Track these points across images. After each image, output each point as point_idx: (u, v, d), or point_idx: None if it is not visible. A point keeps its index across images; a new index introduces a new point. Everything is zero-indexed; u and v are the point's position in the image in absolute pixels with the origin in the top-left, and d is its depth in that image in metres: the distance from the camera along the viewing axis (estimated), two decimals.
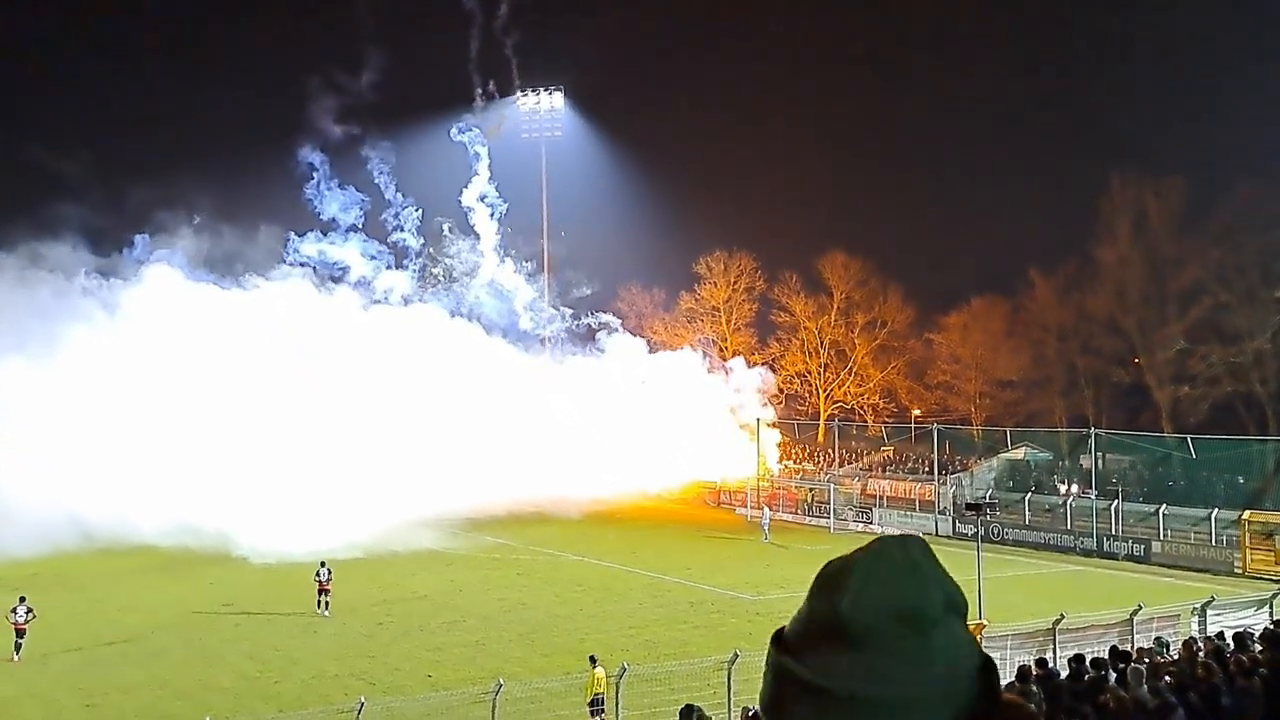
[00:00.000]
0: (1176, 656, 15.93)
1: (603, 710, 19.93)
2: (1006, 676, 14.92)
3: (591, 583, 37.04)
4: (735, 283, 78.52)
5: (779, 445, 68.00)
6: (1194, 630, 21.79)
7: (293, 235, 67.08)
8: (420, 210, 72.57)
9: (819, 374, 75.67)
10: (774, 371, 74.25)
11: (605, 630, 29.45)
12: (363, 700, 17.90)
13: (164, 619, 30.81)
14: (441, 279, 72.55)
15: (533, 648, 27.28)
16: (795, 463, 67.78)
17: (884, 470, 62.07)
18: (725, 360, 71.96)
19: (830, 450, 67.67)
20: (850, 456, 66.37)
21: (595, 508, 54.92)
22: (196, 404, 48.64)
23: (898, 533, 1.48)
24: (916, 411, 69.43)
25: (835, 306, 74.97)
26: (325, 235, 68.26)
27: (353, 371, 54.42)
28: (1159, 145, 66.08)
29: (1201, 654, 14.52)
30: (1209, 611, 22.80)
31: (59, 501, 41.69)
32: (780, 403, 72.46)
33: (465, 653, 27.13)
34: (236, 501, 43.38)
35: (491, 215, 74.62)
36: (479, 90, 74.43)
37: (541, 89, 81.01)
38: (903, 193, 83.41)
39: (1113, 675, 14.06)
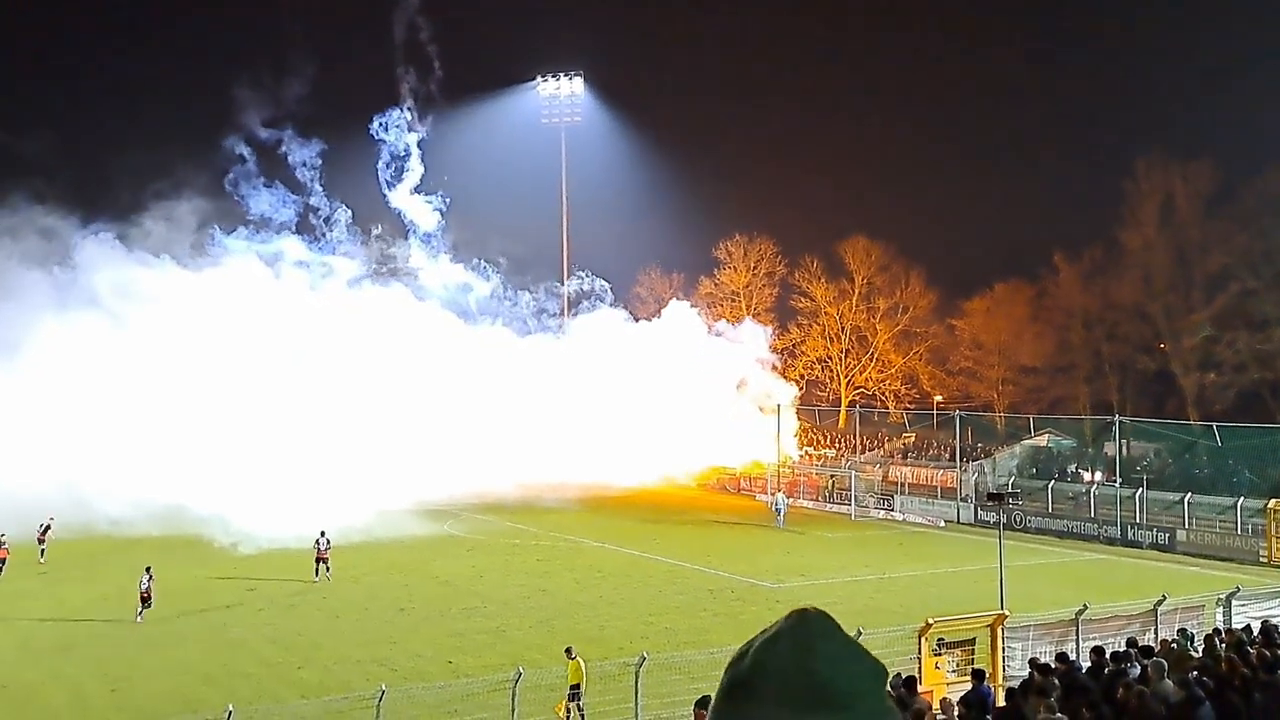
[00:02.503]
0: (1201, 649, 15.76)
1: (578, 699, 20.13)
2: (1026, 667, 14.80)
3: (611, 569, 37.10)
4: (755, 267, 78.29)
5: (795, 412, 66.33)
6: (1219, 621, 21.58)
7: (218, 230, 63.55)
8: (352, 211, 69.23)
9: (840, 360, 75.43)
10: (794, 356, 73.87)
11: (625, 617, 29.50)
12: (384, 687, 18.02)
13: (185, 604, 31.01)
14: (375, 275, 70.25)
15: (553, 634, 27.28)
16: (816, 449, 67.57)
17: (906, 457, 61.85)
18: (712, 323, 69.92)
19: (851, 436, 67.46)
20: (872, 443, 66.15)
21: (599, 494, 54.65)
22: (174, 387, 47.74)
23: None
24: (938, 398, 69.11)
25: (856, 291, 74.66)
26: (258, 233, 64.98)
27: (327, 354, 53.12)
28: (1186, 128, 65.35)
29: (1224, 647, 14.36)
30: (1234, 602, 22.55)
31: (29, 486, 40.98)
32: (801, 387, 72.07)
33: (486, 639, 27.23)
34: (224, 488, 42.63)
35: (432, 209, 71.12)
36: (406, 85, 72.01)
37: (562, 74, 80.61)
38: (925, 177, 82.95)
39: (1135, 668, 13.92)
